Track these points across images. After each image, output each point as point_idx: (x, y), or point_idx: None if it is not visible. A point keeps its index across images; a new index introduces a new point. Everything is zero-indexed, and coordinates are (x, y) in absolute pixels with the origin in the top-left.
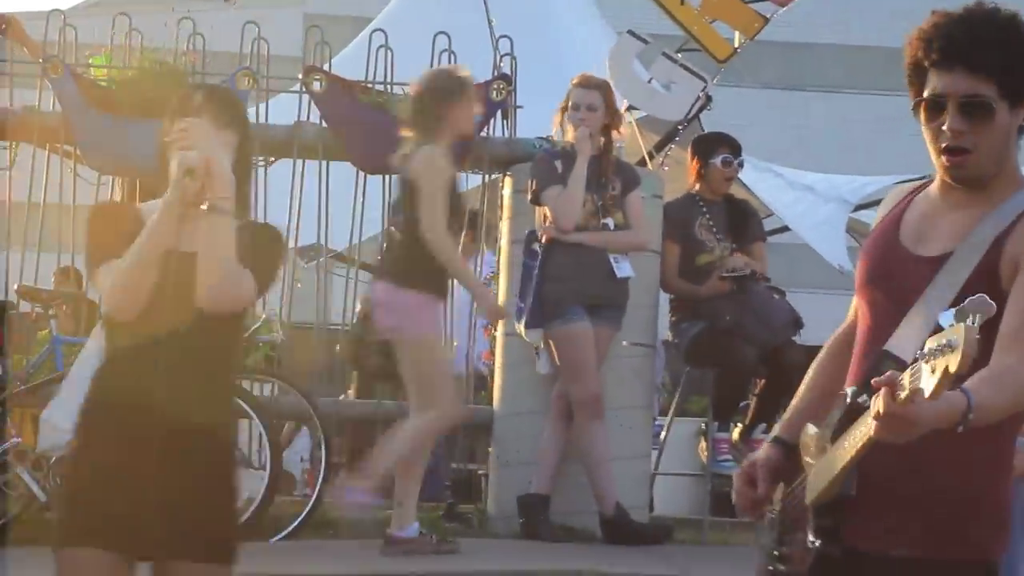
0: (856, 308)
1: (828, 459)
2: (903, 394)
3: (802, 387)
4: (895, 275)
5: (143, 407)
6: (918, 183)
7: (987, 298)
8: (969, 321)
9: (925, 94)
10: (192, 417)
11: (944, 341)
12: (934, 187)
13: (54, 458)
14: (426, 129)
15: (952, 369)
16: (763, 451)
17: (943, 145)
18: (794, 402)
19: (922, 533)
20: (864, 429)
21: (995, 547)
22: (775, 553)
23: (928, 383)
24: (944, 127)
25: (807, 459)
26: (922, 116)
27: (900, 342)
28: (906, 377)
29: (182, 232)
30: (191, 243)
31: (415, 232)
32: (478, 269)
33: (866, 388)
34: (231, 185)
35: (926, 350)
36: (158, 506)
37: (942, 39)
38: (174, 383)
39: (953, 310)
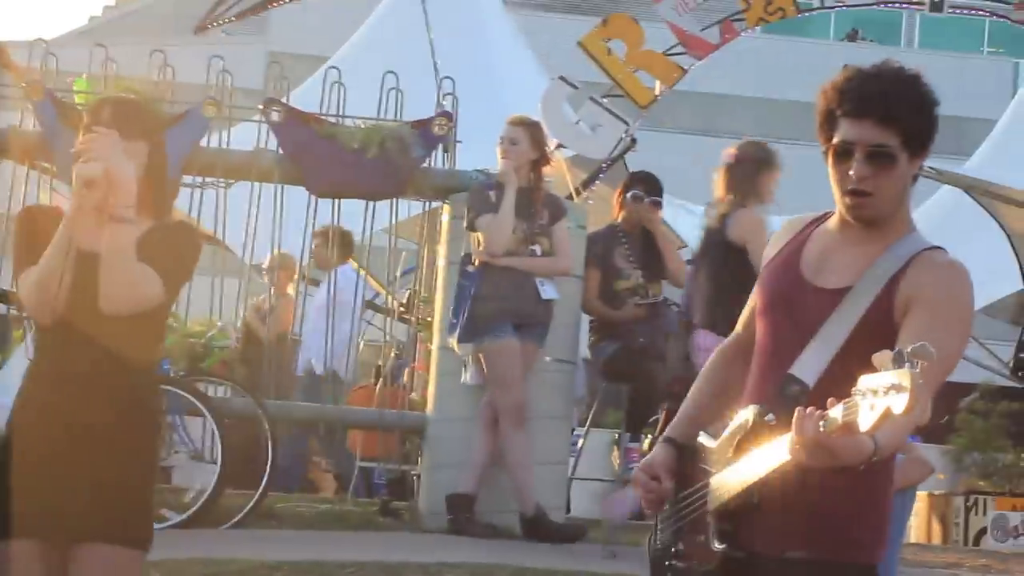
0: (744, 323)
1: (735, 471)
2: (827, 425)
3: (692, 392)
4: (796, 303)
5: (62, 404)
6: (812, 216)
7: (928, 345)
8: (916, 368)
9: (835, 140)
10: (106, 413)
11: (888, 383)
12: (832, 223)
13: None
14: (744, 193)
15: (896, 412)
16: (658, 451)
17: (848, 188)
18: (685, 405)
19: (813, 537)
20: (778, 450)
21: (877, 552)
22: (672, 550)
23: (866, 419)
24: (851, 172)
25: (705, 467)
26: (831, 160)
27: (803, 367)
28: (838, 410)
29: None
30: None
31: (728, 283)
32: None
33: (774, 407)
34: (132, 194)
35: (863, 387)
36: (78, 495)
37: (855, 92)
38: (90, 380)
39: (888, 351)
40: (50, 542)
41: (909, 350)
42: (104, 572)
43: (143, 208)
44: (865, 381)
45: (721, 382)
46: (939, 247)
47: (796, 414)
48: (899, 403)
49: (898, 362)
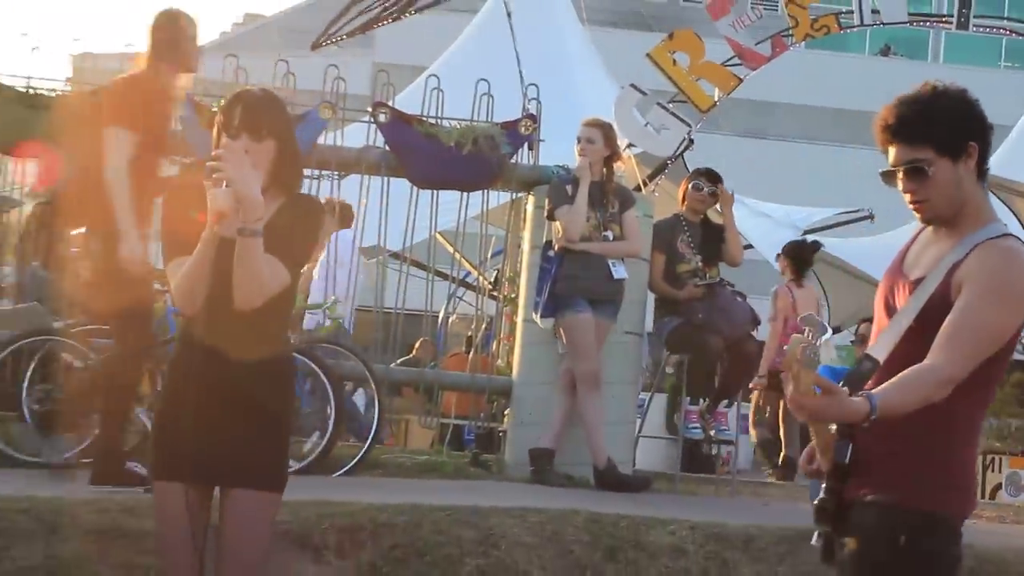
0: None
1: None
2: (800, 385)
3: None
4: (893, 294)
5: (209, 372)
6: None
7: (815, 315)
8: (807, 334)
9: (889, 165)
10: (245, 379)
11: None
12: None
13: None
14: None
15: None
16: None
17: (907, 199)
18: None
19: (884, 484)
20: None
21: (946, 502)
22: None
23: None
24: (900, 188)
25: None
26: (889, 179)
27: (877, 347)
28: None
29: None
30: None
31: None
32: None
33: (850, 382)
34: (260, 209)
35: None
36: (222, 446)
37: (883, 125)
38: (231, 352)
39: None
40: (196, 485)
41: (804, 317)
42: (249, 511)
43: (277, 188)
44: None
45: None
46: (1007, 235)
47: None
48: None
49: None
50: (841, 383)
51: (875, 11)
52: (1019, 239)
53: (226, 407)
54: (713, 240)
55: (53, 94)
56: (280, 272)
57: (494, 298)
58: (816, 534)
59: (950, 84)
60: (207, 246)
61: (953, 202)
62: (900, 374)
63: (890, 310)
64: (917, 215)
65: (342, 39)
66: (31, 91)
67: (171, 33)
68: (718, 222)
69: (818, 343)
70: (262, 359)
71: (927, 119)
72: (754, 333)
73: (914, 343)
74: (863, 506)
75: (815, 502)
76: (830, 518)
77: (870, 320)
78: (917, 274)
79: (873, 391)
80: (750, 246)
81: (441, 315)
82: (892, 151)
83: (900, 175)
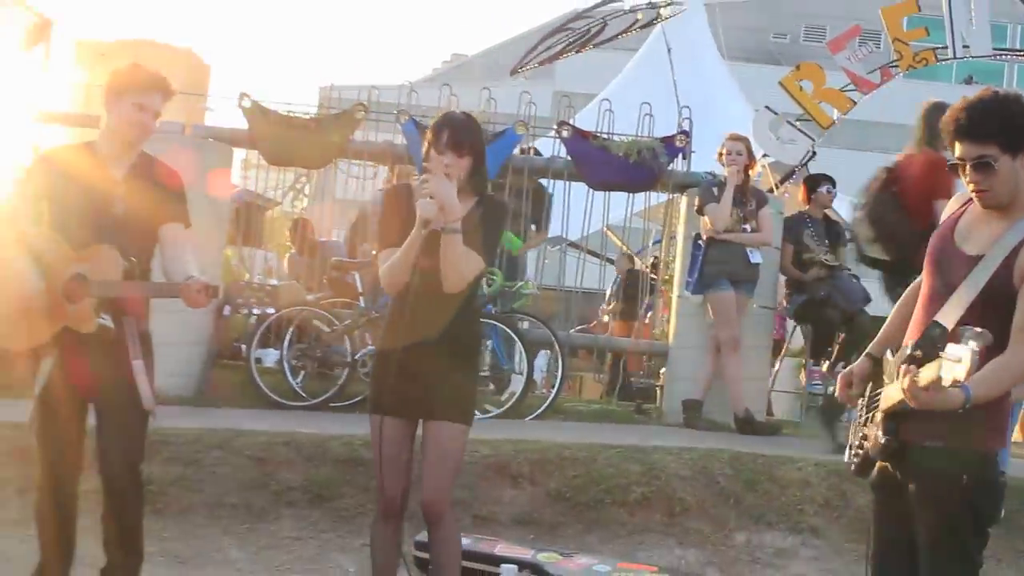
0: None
1: (894, 387)
2: (921, 381)
3: (888, 320)
4: (946, 263)
5: (414, 334)
6: (968, 195)
7: (987, 333)
8: (973, 346)
9: (955, 158)
10: (446, 339)
11: (959, 355)
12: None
13: None
14: None
15: (960, 379)
16: (859, 363)
17: (971, 188)
18: (883, 329)
19: (944, 430)
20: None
21: (992, 443)
22: (861, 435)
23: (947, 379)
24: (966, 179)
25: (885, 378)
26: (956, 170)
27: (944, 315)
28: (926, 372)
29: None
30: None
31: None
32: None
33: (922, 345)
34: (458, 211)
35: (948, 354)
36: (425, 385)
37: (954, 122)
38: (434, 316)
39: (967, 329)
40: (404, 418)
41: (969, 332)
42: (444, 437)
43: (469, 192)
44: (950, 350)
45: (903, 314)
46: None
47: (902, 370)
48: (960, 372)
49: (963, 338)
50: (916, 347)
51: (965, 46)
52: None
53: (428, 360)
54: (833, 232)
55: (306, 117)
56: (475, 260)
57: (653, 280)
58: (850, 452)
59: (1009, 90)
60: (414, 243)
61: (1011, 192)
62: (988, 366)
63: (943, 276)
64: (979, 201)
65: (534, 67)
66: (291, 115)
67: None
68: (835, 219)
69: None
70: (455, 324)
71: (993, 120)
72: (867, 309)
73: (977, 314)
74: (927, 451)
75: (882, 440)
76: (892, 455)
77: None
78: (973, 250)
79: (967, 383)
80: None
81: (608, 293)
82: (960, 146)
83: (967, 168)
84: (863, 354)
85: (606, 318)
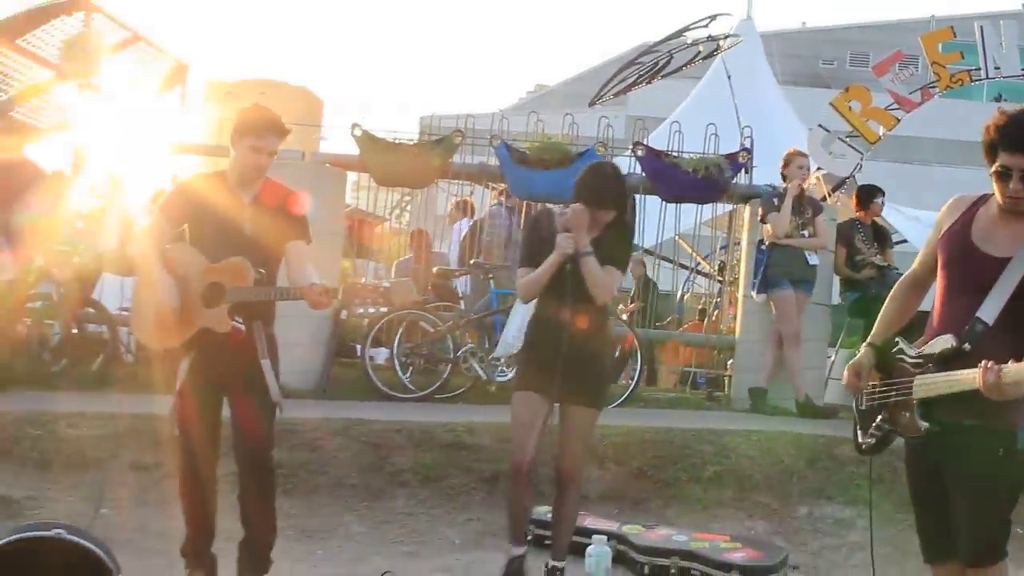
0: (920, 263)
1: (944, 377)
2: (1006, 377)
3: (884, 310)
4: (968, 263)
5: (562, 330)
6: (976, 197)
7: None
8: None
9: (998, 165)
10: (585, 337)
11: None
12: (994, 205)
13: (500, 357)
14: None
15: None
16: (862, 353)
17: (1008, 196)
18: (880, 319)
19: (978, 411)
20: (972, 378)
21: (1017, 420)
22: (880, 417)
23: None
24: (1010, 186)
25: (905, 365)
26: (995, 178)
27: (985, 311)
28: (1016, 368)
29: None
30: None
31: None
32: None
33: (969, 339)
34: (586, 239)
35: None
36: (565, 375)
37: (1009, 129)
38: (574, 320)
39: None
40: (548, 397)
41: None
42: (580, 420)
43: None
44: None
45: (903, 303)
46: None
47: (982, 365)
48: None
49: None
50: (963, 340)
51: (996, 68)
52: None
53: (572, 351)
54: (882, 237)
55: (410, 143)
56: (617, 275)
57: (720, 281)
58: (864, 433)
59: None
60: (550, 267)
61: None
62: None
63: (966, 275)
64: (1010, 206)
65: (610, 98)
66: (396, 141)
67: None
68: (882, 224)
69: None
70: (595, 322)
71: None
72: None
73: (1010, 312)
74: (966, 430)
75: (925, 426)
76: (927, 434)
77: None
78: (997, 252)
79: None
80: (905, 240)
81: (679, 294)
82: (1008, 156)
83: (1014, 177)
84: (865, 345)
85: (624, 316)
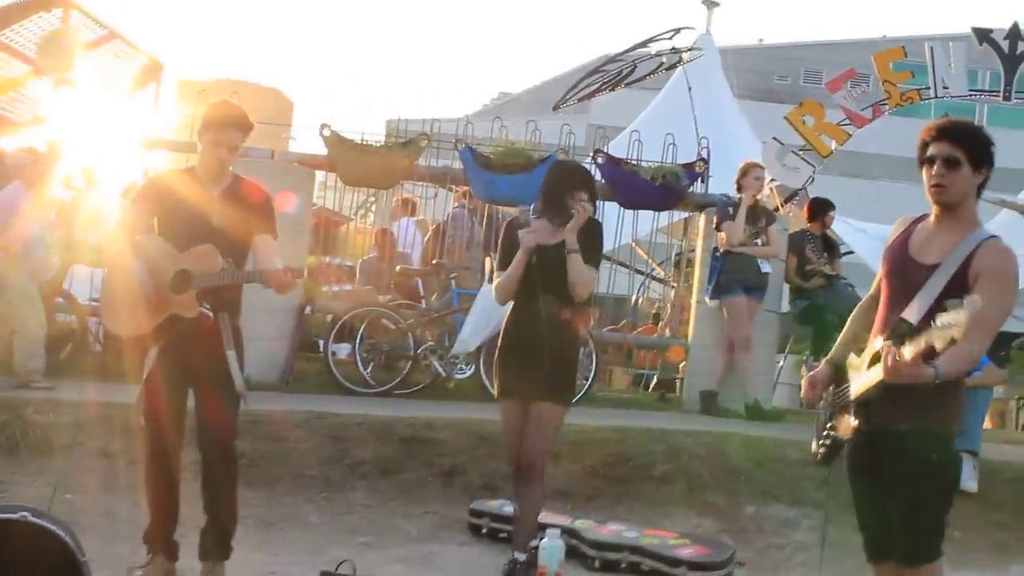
0: (876, 285)
1: (866, 375)
2: (908, 353)
3: (844, 332)
4: (904, 272)
5: (532, 332)
6: (916, 216)
7: (978, 298)
8: (971, 308)
9: (927, 155)
10: (555, 336)
11: (950, 321)
12: (930, 219)
13: (459, 355)
14: None
15: (957, 338)
16: (820, 368)
17: (932, 183)
18: (841, 338)
19: (912, 415)
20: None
21: (954, 426)
22: (828, 425)
23: (939, 344)
24: (933, 172)
25: (852, 372)
26: (924, 169)
27: (910, 313)
28: (907, 349)
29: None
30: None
31: None
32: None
33: (892, 339)
34: (575, 235)
35: (938, 323)
36: (535, 372)
37: (938, 127)
38: (547, 318)
39: (953, 300)
40: (520, 401)
41: (966, 300)
42: (546, 413)
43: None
44: (940, 319)
45: (862, 323)
46: (996, 236)
47: (883, 350)
48: (958, 332)
49: (959, 307)
50: (888, 339)
51: (945, 87)
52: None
53: (540, 352)
54: (831, 248)
55: (377, 145)
56: (593, 272)
57: (673, 287)
58: (818, 442)
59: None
60: (519, 265)
61: (962, 195)
62: (951, 351)
63: (902, 283)
64: (935, 197)
65: (573, 103)
66: (364, 143)
67: None
68: (832, 236)
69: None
70: (564, 321)
71: (967, 132)
72: None
73: (936, 312)
74: (901, 434)
75: (854, 423)
76: (864, 437)
77: None
78: (928, 260)
79: (937, 362)
80: (851, 252)
81: (634, 298)
82: (935, 146)
83: (937, 163)
84: (824, 361)
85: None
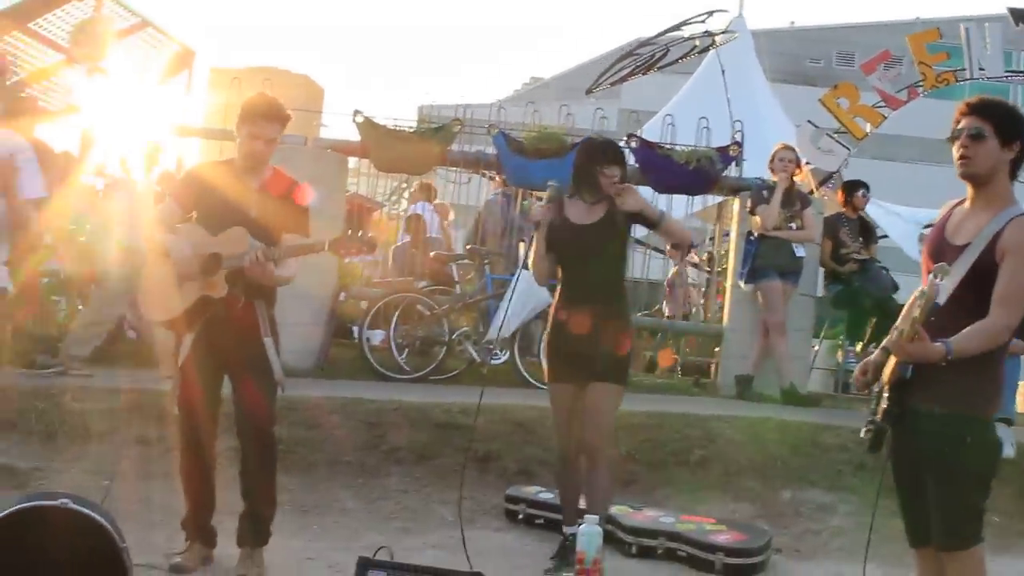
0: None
1: (891, 360)
2: (895, 335)
3: (900, 317)
4: (940, 255)
5: (580, 314)
6: (956, 201)
7: (946, 264)
8: (937, 279)
9: (956, 130)
10: (603, 314)
11: (919, 292)
12: (965, 204)
13: (493, 341)
14: None
15: (916, 316)
16: (876, 354)
17: (957, 155)
18: (896, 325)
19: (947, 397)
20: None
21: (990, 409)
22: (873, 410)
23: (906, 327)
24: (960, 143)
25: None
26: (952, 145)
27: (940, 292)
28: (903, 320)
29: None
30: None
31: None
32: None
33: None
34: (636, 205)
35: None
36: (590, 359)
37: (968, 103)
38: (595, 299)
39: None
40: (574, 383)
41: (935, 267)
42: (604, 395)
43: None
44: (915, 293)
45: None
46: None
47: (891, 331)
48: (921, 297)
49: (933, 275)
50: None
51: (981, 68)
52: None
53: (593, 336)
54: (867, 230)
55: (410, 131)
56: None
57: (707, 271)
58: (864, 428)
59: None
60: (539, 243)
61: (989, 170)
62: (970, 327)
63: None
64: (960, 168)
65: (606, 88)
66: (397, 129)
67: None
68: (867, 219)
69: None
70: (614, 306)
71: (997, 107)
72: (895, 296)
73: (965, 290)
74: (934, 416)
75: (885, 406)
76: (895, 419)
77: None
78: (961, 241)
79: (950, 339)
80: (886, 236)
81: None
82: (963, 120)
83: (964, 134)
84: (879, 347)
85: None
